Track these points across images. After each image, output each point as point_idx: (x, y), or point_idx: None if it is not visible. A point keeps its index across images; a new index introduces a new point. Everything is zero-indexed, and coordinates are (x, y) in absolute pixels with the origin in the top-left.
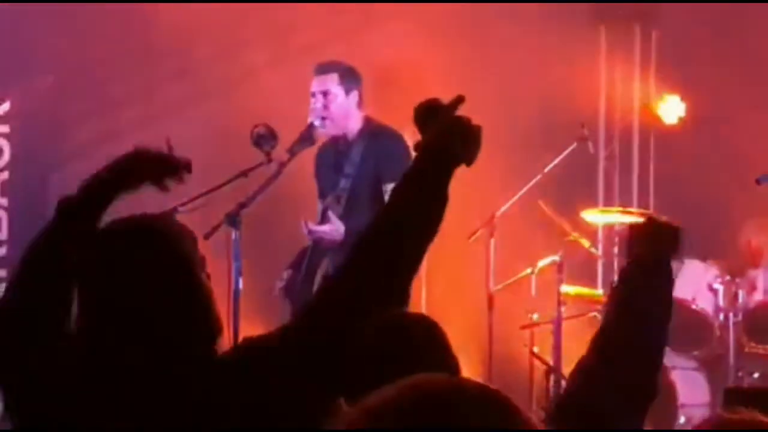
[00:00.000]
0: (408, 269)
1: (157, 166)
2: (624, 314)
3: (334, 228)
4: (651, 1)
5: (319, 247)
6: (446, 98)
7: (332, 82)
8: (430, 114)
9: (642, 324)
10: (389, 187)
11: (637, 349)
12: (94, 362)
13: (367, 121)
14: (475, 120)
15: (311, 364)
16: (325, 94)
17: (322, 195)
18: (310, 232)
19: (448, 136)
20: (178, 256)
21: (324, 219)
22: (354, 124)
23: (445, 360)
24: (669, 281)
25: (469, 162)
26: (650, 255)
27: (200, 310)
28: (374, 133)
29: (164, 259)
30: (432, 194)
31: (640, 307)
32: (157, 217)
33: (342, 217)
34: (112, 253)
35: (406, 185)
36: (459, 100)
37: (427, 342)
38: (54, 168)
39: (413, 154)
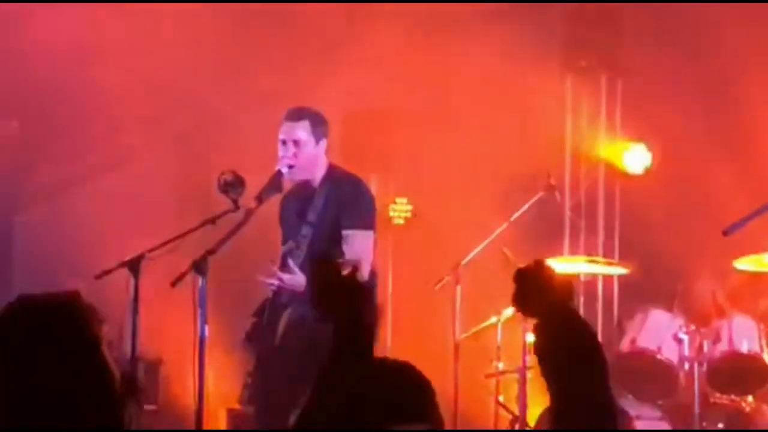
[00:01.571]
0: None
1: None
2: (547, 368)
3: (295, 278)
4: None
5: (280, 295)
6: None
7: (303, 130)
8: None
9: (567, 372)
10: (348, 234)
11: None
12: None
13: (332, 168)
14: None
15: None
16: (295, 142)
17: (285, 241)
18: (271, 275)
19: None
20: (82, 336)
21: (284, 266)
22: (320, 171)
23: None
24: (575, 324)
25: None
26: (546, 306)
27: (101, 394)
28: (337, 180)
29: (67, 339)
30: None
31: (559, 359)
32: (64, 297)
33: (303, 264)
34: (12, 332)
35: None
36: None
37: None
38: (17, 211)
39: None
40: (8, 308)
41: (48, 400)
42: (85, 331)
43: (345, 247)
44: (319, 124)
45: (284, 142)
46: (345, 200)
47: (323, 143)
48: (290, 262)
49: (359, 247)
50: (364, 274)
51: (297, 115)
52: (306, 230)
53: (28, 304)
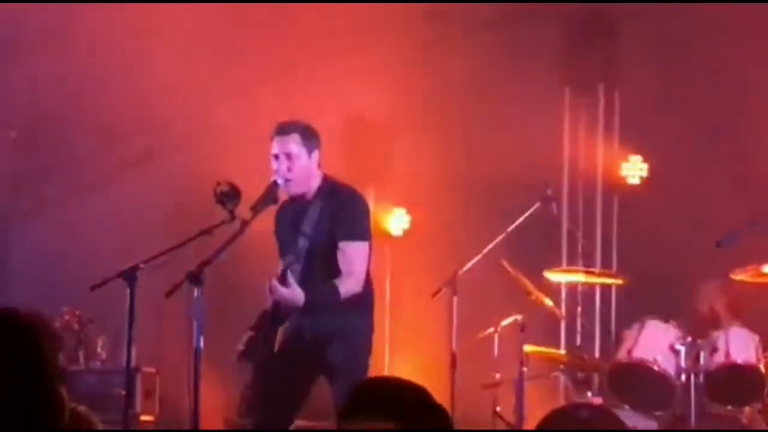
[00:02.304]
0: None
1: None
2: None
3: (293, 294)
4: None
5: (279, 309)
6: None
7: (294, 143)
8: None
9: None
10: (343, 245)
11: None
12: None
13: (326, 180)
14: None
15: None
16: (288, 156)
17: (282, 253)
18: (271, 289)
19: None
20: (30, 359)
21: (284, 281)
22: (314, 182)
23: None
24: None
25: None
26: None
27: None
28: (332, 191)
29: (12, 358)
30: None
31: None
32: (25, 316)
33: (301, 276)
34: None
35: None
36: None
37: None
38: (16, 222)
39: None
40: None
41: None
42: (35, 355)
43: (340, 259)
44: (310, 137)
45: (277, 157)
46: (340, 211)
47: (315, 155)
48: (290, 277)
49: (354, 258)
50: (359, 285)
51: (287, 128)
52: (302, 242)
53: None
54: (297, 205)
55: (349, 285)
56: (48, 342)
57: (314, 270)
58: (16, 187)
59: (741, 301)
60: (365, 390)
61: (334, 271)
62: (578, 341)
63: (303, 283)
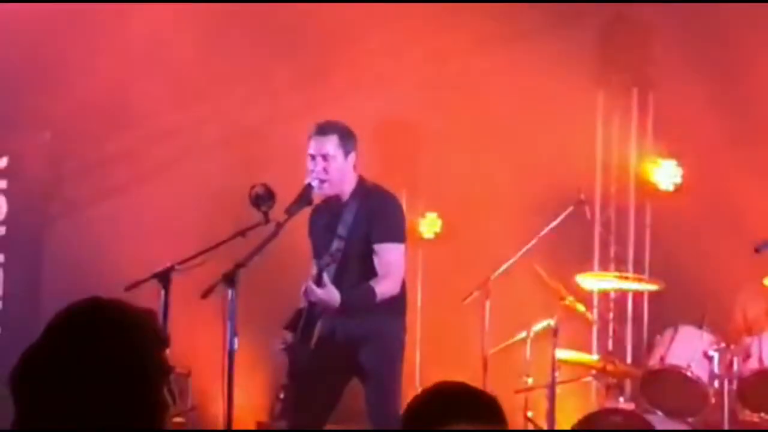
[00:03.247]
0: None
1: None
2: None
3: (329, 294)
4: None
5: (313, 309)
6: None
7: (331, 144)
8: None
9: None
10: (379, 247)
11: None
12: None
13: (361, 182)
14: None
15: None
16: (324, 157)
17: (317, 255)
18: (306, 291)
19: None
20: (135, 350)
21: (319, 282)
22: (348, 185)
23: None
24: None
25: None
26: None
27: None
28: (367, 193)
29: (139, 352)
30: None
31: None
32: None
33: (335, 277)
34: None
35: None
36: None
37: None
38: (48, 223)
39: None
40: (83, 304)
41: (95, 408)
42: (140, 353)
43: (376, 261)
44: (347, 138)
45: (313, 157)
46: (375, 213)
47: (352, 157)
48: (325, 278)
49: (391, 259)
50: (396, 286)
51: (325, 129)
52: (337, 244)
53: (107, 306)
54: (331, 207)
55: (385, 286)
56: (152, 339)
57: (349, 272)
58: (50, 188)
59: None
60: (454, 396)
61: (369, 273)
62: (610, 347)
63: (337, 285)
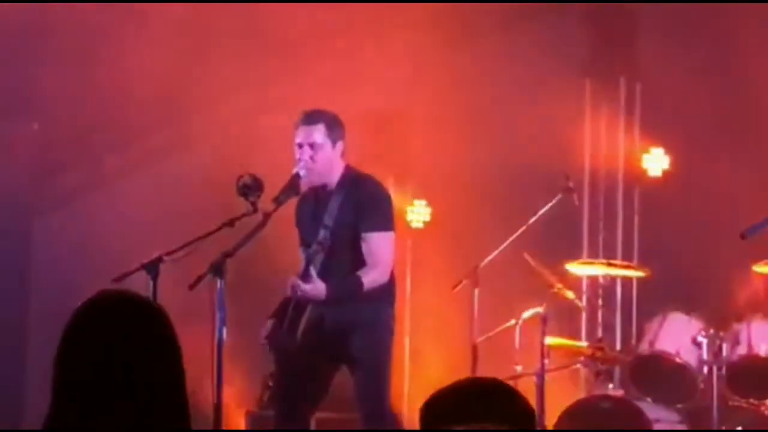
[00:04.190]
0: None
1: None
2: None
3: (315, 289)
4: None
5: (300, 298)
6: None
7: (319, 133)
8: None
9: None
10: (367, 236)
11: None
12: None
13: (347, 171)
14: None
15: None
16: (311, 145)
17: (303, 243)
18: (293, 287)
19: None
20: (172, 340)
21: (306, 275)
22: (336, 174)
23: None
24: None
25: None
26: None
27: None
28: (353, 182)
29: (159, 341)
30: None
31: None
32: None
33: (323, 267)
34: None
35: None
36: None
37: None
38: (37, 214)
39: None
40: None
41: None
42: (178, 349)
43: (364, 250)
44: (335, 127)
45: (300, 146)
46: (362, 202)
47: (340, 145)
48: (311, 271)
49: (379, 248)
50: (385, 276)
51: (312, 118)
52: (324, 233)
53: (124, 297)
54: (318, 196)
55: (374, 276)
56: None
57: (336, 261)
58: (37, 179)
59: (764, 293)
60: (479, 393)
61: (357, 262)
62: (599, 334)
63: (324, 274)
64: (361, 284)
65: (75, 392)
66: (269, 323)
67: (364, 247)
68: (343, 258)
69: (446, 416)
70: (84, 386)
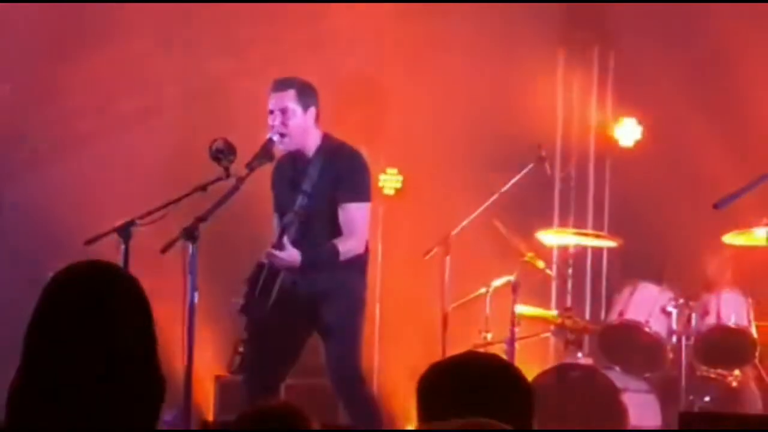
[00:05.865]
0: None
1: None
2: None
3: (290, 257)
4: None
5: (274, 264)
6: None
7: (289, 99)
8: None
9: None
10: (345, 206)
11: None
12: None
13: (326, 138)
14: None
15: None
16: (283, 111)
17: (278, 209)
18: (268, 257)
19: None
20: (144, 308)
21: (280, 243)
22: (312, 140)
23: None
24: None
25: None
26: None
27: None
28: (333, 151)
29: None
30: None
31: None
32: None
33: (299, 234)
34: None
35: None
36: None
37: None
38: (7, 179)
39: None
40: (76, 268)
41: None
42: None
43: (341, 219)
44: (306, 93)
45: (272, 112)
46: (341, 171)
47: (312, 111)
48: (285, 240)
49: (357, 219)
50: (361, 245)
51: (283, 84)
52: (301, 201)
53: (96, 266)
54: (296, 162)
55: (350, 245)
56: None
57: (313, 229)
58: (9, 142)
59: (733, 264)
60: (479, 374)
61: (334, 231)
62: (569, 302)
63: (300, 241)
64: (337, 252)
65: (48, 360)
66: (244, 288)
67: (342, 217)
68: (318, 225)
69: (444, 394)
70: (56, 354)
